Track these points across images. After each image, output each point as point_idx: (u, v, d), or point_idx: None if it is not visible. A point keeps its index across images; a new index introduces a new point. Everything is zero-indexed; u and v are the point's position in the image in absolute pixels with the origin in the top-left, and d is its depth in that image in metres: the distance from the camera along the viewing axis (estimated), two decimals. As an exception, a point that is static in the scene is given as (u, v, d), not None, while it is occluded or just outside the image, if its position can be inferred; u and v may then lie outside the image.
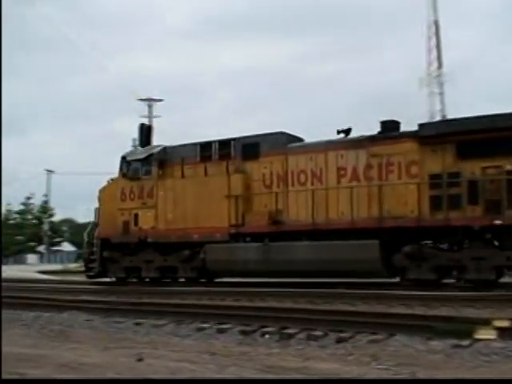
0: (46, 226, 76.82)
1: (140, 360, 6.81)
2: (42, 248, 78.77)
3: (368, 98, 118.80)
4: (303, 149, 17.46)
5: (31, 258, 70.92)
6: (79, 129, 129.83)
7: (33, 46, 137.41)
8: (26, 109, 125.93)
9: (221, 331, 9.20)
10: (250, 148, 18.03)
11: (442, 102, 58.31)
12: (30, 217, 79.96)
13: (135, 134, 25.49)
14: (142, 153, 20.36)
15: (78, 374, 6.08)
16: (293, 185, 17.25)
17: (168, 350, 7.44)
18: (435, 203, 15.15)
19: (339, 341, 8.11)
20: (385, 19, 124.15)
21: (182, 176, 19.20)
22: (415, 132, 15.79)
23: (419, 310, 10.57)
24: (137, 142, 28.13)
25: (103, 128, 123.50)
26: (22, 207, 79.55)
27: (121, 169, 20.43)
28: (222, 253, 17.72)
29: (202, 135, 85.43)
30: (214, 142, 18.97)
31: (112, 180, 21.34)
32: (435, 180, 15.49)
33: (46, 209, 74.54)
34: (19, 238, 77.31)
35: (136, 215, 19.44)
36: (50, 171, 70.22)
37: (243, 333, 8.95)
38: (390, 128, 16.34)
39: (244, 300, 13.03)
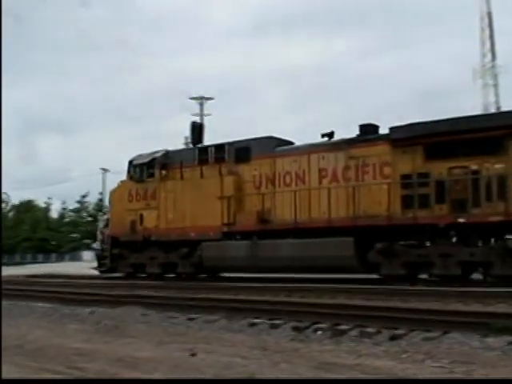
0: (100, 224, 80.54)
1: (193, 355, 6.87)
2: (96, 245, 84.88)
3: (419, 92, 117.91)
4: (289, 152, 18.80)
5: (86, 254, 71.15)
6: (131, 128, 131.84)
7: (87, 47, 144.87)
8: (79, 109, 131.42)
9: (273, 327, 9.20)
10: (242, 152, 19.40)
11: (496, 94, 59.18)
12: (85, 214, 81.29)
13: (187, 132, 25.50)
14: (146, 157, 21.82)
15: (131, 369, 6.22)
16: (279, 186, 18.52)
17: (220, 345, 7.52)
18: (406, 202, 15.99)
19: (393, 338, 8.06)
20: (435, 12, 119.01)
21: (181, 178, 20.68)
22: (387, 135, 16.66)
23: (476, 307, 10.29)
24: (189, 140, 29.23)
25: (155, 127, 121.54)
26: (77, 205, 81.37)
27: (128, 172, 22.32)
28: (216, 250, 19.13)
29: (253, 133, 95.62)
30: (210, 146, 20.73)
31: (121, 182, 22.90)
32: (406, 180, 16.33)
33: (101, 207, 74.75)
34: (74, 235, 78.88)
35: (141, 215, 21.23)
36: (105, 170, 72.32)
37: (295, 329, 8.90)
38: (368, 131, 17.26)
39: (296, 296, 12.87)
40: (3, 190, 69.43)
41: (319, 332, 8.75)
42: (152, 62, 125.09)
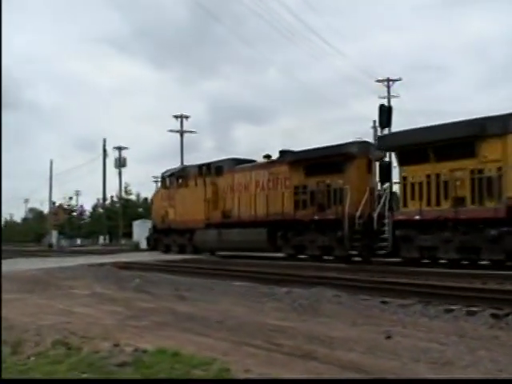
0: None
1: (388, 337, 6.75)
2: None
3: None
4: (241, 169, 27.25)
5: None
6: (321, 113, 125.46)
7: (275, 36, 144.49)
8: (271, 97, 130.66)
9: (470, 314, 8.57)
10: (219, 168, 27.95)
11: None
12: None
13: (374, 115, 28.14)
14: (170, 171, 31.12)
15: (327, 347, 6.15)
16: (236, 193, 26.64)
17: (416, 330, 7.24)
18: (296, 205, 23.20)
19: None
20: None
21: (187, 186, 29.79)
22: (287, 158, 24.44)
23: None
24: (377, 124, 29.30)
25: (343, 111, 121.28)
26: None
27: (161, 181, 32.62)
28: (201, 236, 28.25)
29: (445, 112, 78.87)
30: (205, 164, 29.31)
31: (158, 188, 33.84)
32: (296, 190, 23.43)
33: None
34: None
35: (167, 211, 30.85)
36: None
37: (494, 316, 8.25)
38: (283, 155, 24.76)
39: (492, 283, 12.01)
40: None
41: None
42: (338, 44, 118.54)
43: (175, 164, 42.22)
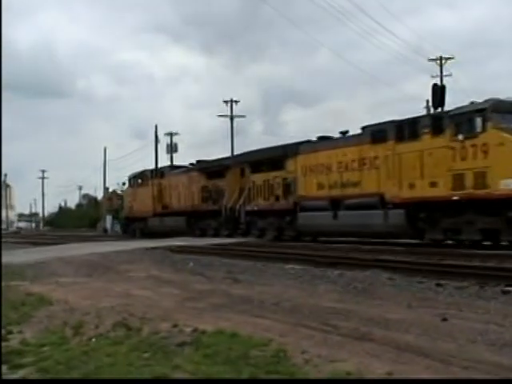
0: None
1: (444, 320, 6.13)
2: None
3: None
4: (175, 173, 30.87)
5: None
6: (373, 93, 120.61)
7: (325, 18, 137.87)
8: (321, 79, 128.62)
9: None
10: (162, 173, 31.83)
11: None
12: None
13: (427, 95, 24.91)
14: (134, 174, 36.19)
15: (383, 329, 5.71)
16: (171, 190, 30.94)
17: (472, 312, 6.73)
18: (203, 200, 27.38)
19: None
20: None
21: (143, 186, 34.02)
22: (197, 166, 28.75)
23: None
24: (430, 104, 26.63)
25: (395, 91, 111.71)
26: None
27: (128, 182, 36.88)
28: (150, 222, 32.45)
29: (499, 90, 70.77)
30: (154, 169, 33.54)
31: (127, 187, 37.61)
32: (203, 189, 27.41)
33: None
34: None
35: (132, 205, 35.90)
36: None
37: None
38: (197, 164, 30.45)
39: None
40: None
41: None
42: (389, 24, 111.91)
43: (225, 149, 42.48)
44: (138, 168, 37.17)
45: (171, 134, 52.96)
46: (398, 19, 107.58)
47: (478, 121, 15.17)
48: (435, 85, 21.10)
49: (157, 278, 10.91)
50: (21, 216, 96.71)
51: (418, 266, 10.88)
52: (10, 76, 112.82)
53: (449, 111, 16.17)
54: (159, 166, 36.34)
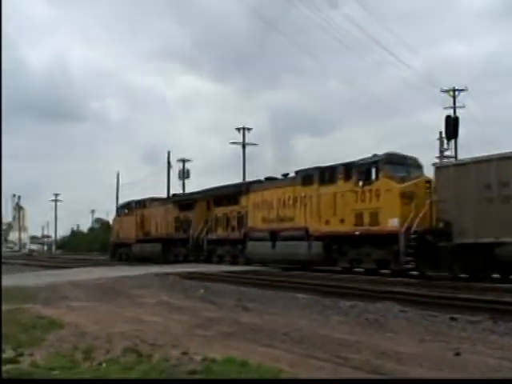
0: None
1: (457, 354, 5.89)
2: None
3: None
4: (154, 205, 31.61)
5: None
6: (386, 123, 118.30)
7: (337, 47, 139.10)
8: (334, 107, 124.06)
9: None
10: (144, 203, 32.85)
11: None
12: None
13: (439, 125, 25.77)
14: (121, 204, 38.96)
15: (395, 363, 5.48)
16: (150, 219, 32.01)
17: (486, 347, 6.44)
18: (176, 228, 29.01)
19: None
20: None
21: (129, 215, 34.90)
22: (172, 199, 29.47)
23: None
24: (443, 136, 28.26)
25: (410, 121, 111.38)
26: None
27: (116, 211, 36.93)
28: (133, 248, 32.74)
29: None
30: (138, 201, 34.28)
31: (115, 216, 38.07)
32: (175, 220, 28.65)
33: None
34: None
35: (118, 232, 37.79)
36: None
37: None
38: (173, 197, 32.91)
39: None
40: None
41: None
42: (403, 54, 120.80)
43: (236, 176, 43.19)
44: (150, 194, 38.42)
45: (183, 161, 52.23)
46: (411, 49, 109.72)
47: (373, 171, 18.16)
48: (448, 117, 20.61)
49: (167, 303, 10.63)
50: (33, 238, 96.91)
51: (431, 298, 10.54)
52: (24, 97, 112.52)
53: (355, 161, 18.76)
54: (171, 192, 35.93)
